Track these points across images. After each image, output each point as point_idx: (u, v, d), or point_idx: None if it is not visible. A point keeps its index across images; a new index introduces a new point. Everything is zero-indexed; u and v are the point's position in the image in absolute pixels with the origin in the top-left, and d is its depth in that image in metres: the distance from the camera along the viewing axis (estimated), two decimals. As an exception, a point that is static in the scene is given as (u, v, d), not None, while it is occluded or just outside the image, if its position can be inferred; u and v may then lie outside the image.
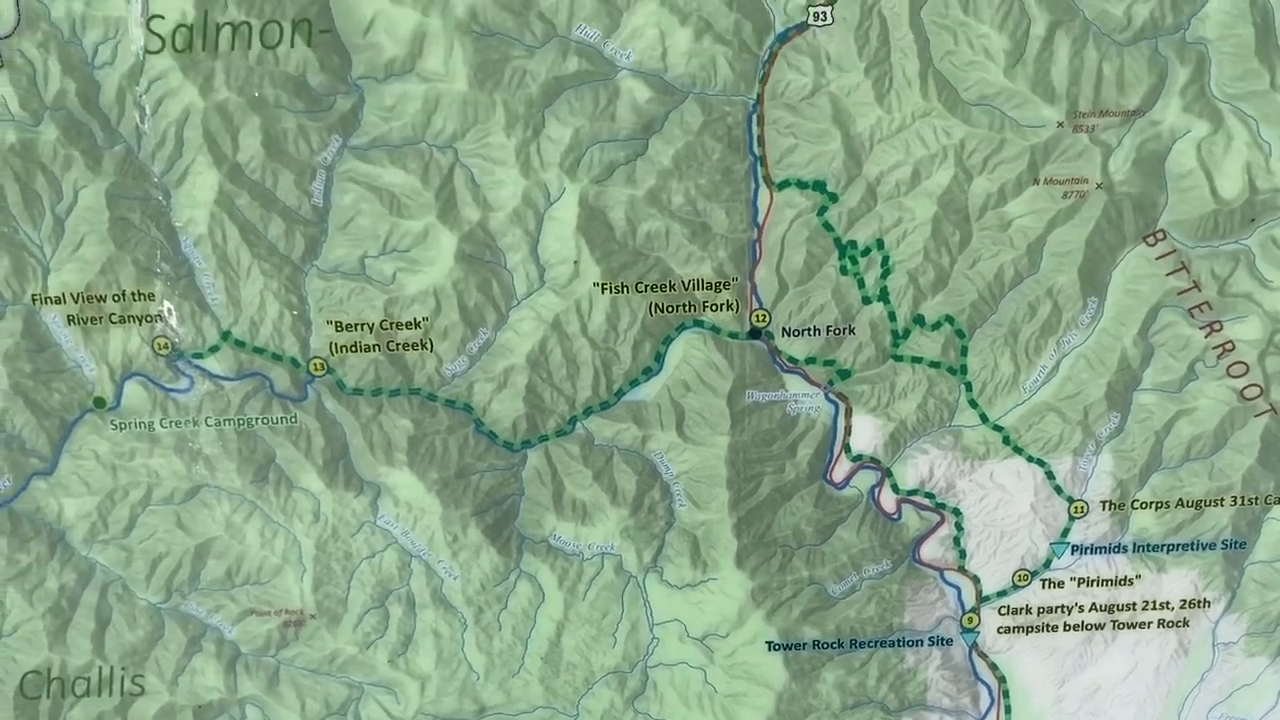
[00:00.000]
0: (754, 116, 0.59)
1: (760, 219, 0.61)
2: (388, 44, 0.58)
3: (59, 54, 0.59)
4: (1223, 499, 0.65)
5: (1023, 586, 0.66)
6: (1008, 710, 0.67)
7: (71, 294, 0.62)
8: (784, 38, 0.58)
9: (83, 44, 0.58)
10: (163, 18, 0.58)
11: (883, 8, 0.57)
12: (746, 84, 0.59)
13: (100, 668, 0.68)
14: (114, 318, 0.62)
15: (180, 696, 0.67)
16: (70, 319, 0.62)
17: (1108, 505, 0.65)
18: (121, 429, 0.64)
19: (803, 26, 0.58)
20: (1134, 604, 0.66)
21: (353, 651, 0.67)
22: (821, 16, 0.58)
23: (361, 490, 0.65)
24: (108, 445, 0.64)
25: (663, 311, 0.62)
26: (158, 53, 0.58)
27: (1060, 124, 0.59)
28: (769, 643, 0.67)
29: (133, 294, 0.62)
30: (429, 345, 0.63)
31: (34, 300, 0.62)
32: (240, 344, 0.62)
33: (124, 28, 0.58)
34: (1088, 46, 0.58)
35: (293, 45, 0.58)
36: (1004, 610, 0.67)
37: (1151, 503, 0.65)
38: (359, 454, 0.64)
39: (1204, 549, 0.66)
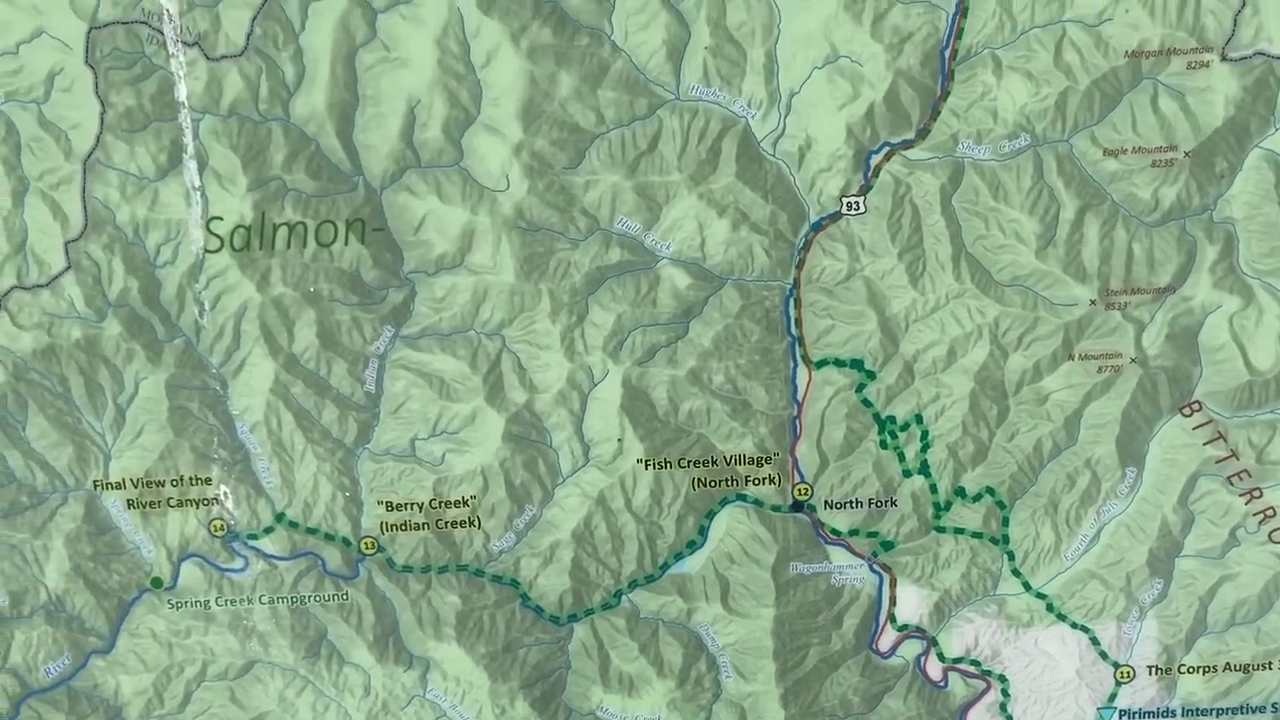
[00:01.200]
0: (791, 300, 0.61)
1: (800, 396, 0.62)
2: (438, 240, 0.60)
3: (123, 255, 0.61)
4: (1270, 662, 0.64)
5: (1072, 752, 0.66)
6: None
7: (131, 479, 0.64)
8: (818, 226, 0.60)
9: (145, 245, 0.61)
10: (221, 219, 0.61)
11: (914, 197, 0.59)
12: (783, 270, 0.60)
13: (153, 841, 0.69)
14: (172, 502, 0.64)
15: None
16: (130, 503, 0.64)
17: (1154, 670, 0.65)
18: (178, 608, 0.65)
19: (836, 215, 0.60)
20: (1185, 768, 0.66)
21: (403, 824, 0.68)
22: (855, 206, 0.59)
23: (411, 665, 0.66)
24: (164, 624, 0.66)
25: (705, 486, 0.63)
26: (216, 252, 0.61)
27: (1093, 302, 0.60)
28: (818, 811, 0.67)
29: (190, 479, 0.64)
30: (477, 523, 0.64)
31: (95, 486, 0.64)
32: (294, 525, 0.64)
33: (184, 229, 0.61)
34: (1117, 228, 0.59)
35: (346, 243, 0.60)
36: (1054, 776, 0.66)
37: (1199, 667, 0.65)
38: (408, 629, 0.65)
39: (1253, 712, 0.65)
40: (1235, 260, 0.60)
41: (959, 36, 0.58)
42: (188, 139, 0.60)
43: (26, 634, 0.66)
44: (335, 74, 0.59)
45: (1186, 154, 0.59)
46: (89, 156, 0.60)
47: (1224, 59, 0.58)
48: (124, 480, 0.64)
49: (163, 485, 0.64)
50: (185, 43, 0.59)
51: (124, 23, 0.58)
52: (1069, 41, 0.57)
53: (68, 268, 0.62)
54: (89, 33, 0.59)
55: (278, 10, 0.58)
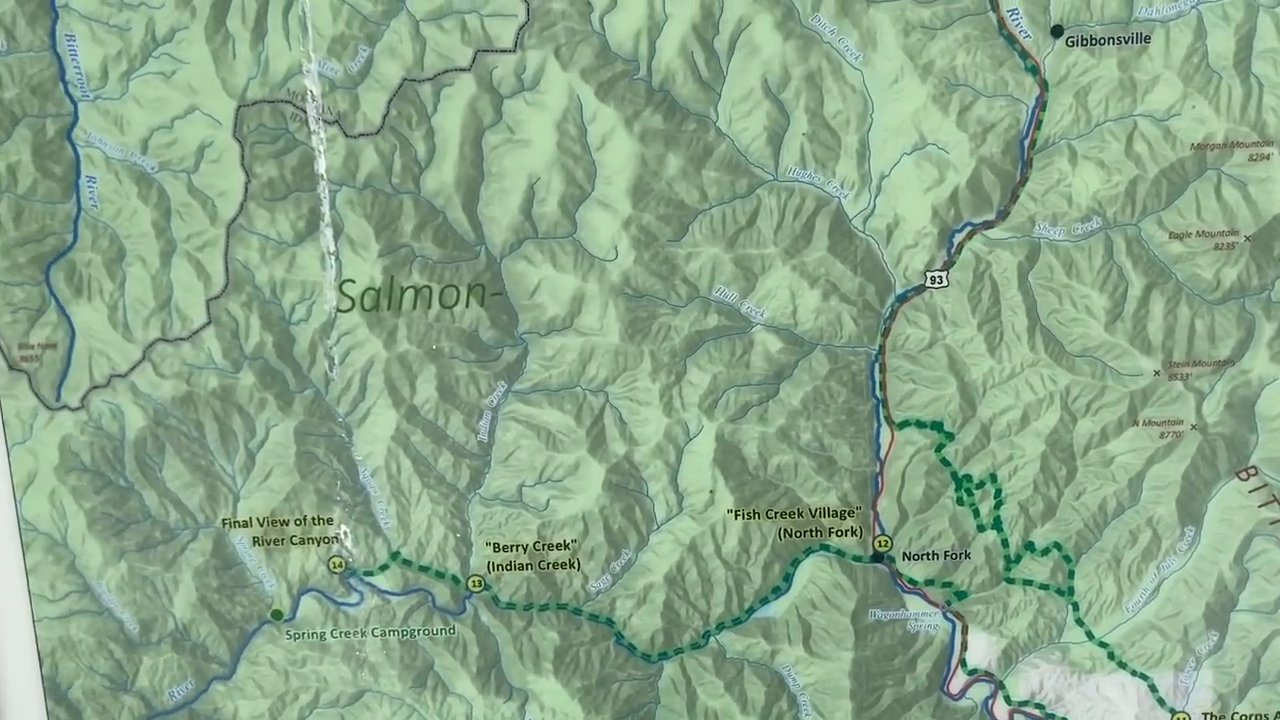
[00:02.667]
0: (876, 365, 0.65)
1: (882, 454, 0.67)
2: (550, 304, 0.65)
3: (260, 312, 0.66)
4: (1319, 712, 0.69)
5: (1130, 792, 0.70)
6: None
7: (258, 518, 0.69)
8: (903, 298, 0.65)
9: (281, 304, 0.66)
10: (354, 282, 0.66)
11: (994, 273, 0.64)
12: (869, 337, 0.65)
13: None
14: (295, 539, 0.69)
15: None
16: (255, 540, 0.69)
17: (1209, 717, 0.69)
18: (295, 639, 0.70)
19: (920, 288, 0.64)
20: (1237, 811, 0.70)
21: (497, 846, 0.72)
22: (938, 280, 0.64)
23: (511, 696, 0.70)
24: (282, 653, 0.70)
25: (791, 536, 0.68)
26: (348, 311, 0.66)
27: (1157, 372, 0.65)
28: (888, 843, 0.71)
29: (313, 519, 0.69)
30: (577, 565, 0.69)
31: (224, 524, 0.69)
32: (407, 563, 0.69)
33: (319, 290, 0.66)
34: (1180, 305, 0.64)
35: (467, 306, 0.66)
36: (1112, 815, 0.70)
37: (1251, 715, 0.69)
38: (509, 663, 0.70)
39: (1303, 759, 0.69)
40: (1291, 336, 0.64)
41: (1038, 127, 0.62)
42: (325, 208, 0.65)
43: (154, 659, 0.71)
44: (463, 152, 0.64)
45: (1247, 238, 0.63)
46: (233, 222, 0.66)
47: (1283, 152, 0.62)
48: (251, 519, 0.69)
49: (287, 524, 0.69)
50: (326, 121, 0.64)
51: (270, 101, 0.64)
52: (1139, 134, 0.62)
53: (208, 323, 0.67)
54: (238, 110, 0.64)
55: (412, 94, 0.63)
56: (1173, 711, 0.69)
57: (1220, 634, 0.68)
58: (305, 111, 0.64)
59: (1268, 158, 0.62)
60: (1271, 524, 0.67)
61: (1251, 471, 0.66)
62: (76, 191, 0.66)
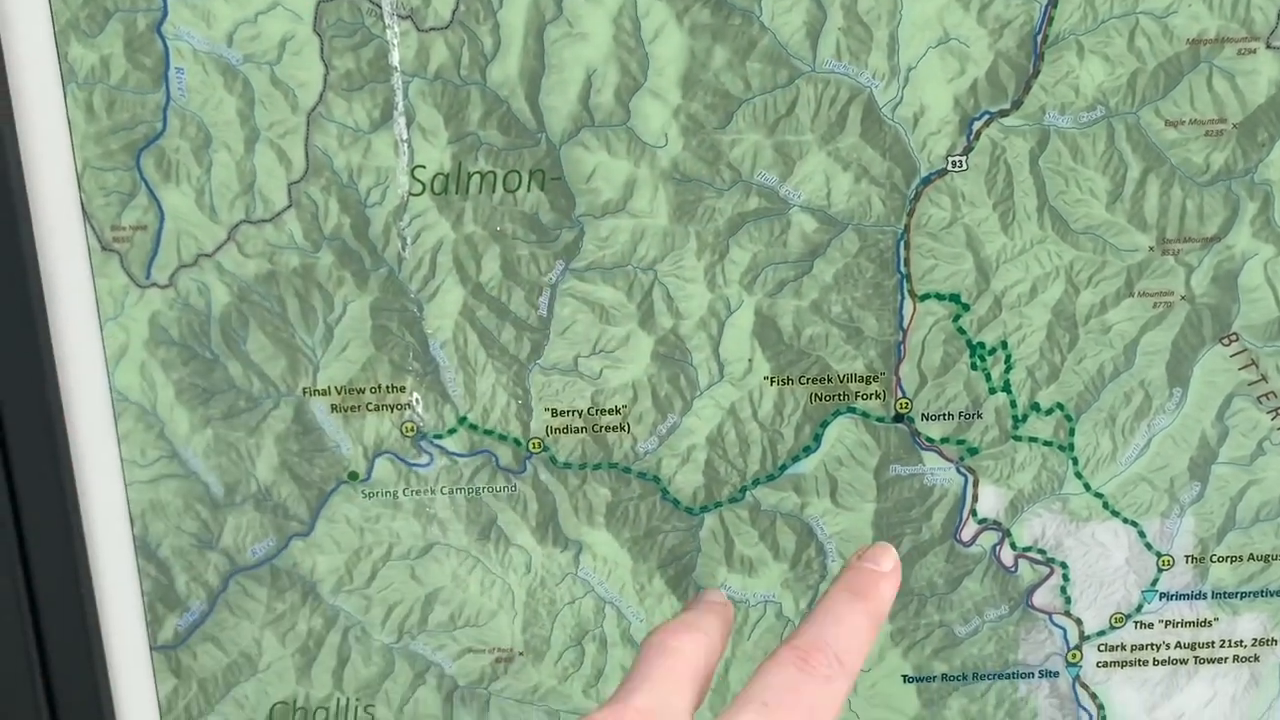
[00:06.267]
0: (901, 243, 0.72)
1: (905, 325, 0.74)
2: (604, 188, 0.71)
3: (338, 195, 0.72)
4: (1287, 554, 0.77)
5: (1118, 628, 0.78)
6: (1105, 733, 0.79)
7: (336, 387, 0.75)
8: (927, 180, 0.71)
9: (358, 188, 0.72)
10: (424, 167, 0.71)
11: (1008, 158, 0.71)
12: (895, 217, 0.72)
13: (338, 699, 0.80)
14: (370, 406, 0.75)
15: (408, 722, 0.80)
16: (333, 408, 0.75)
17: (1190, 559, 0.77)
18: (370, 497, 0.77)
19: (942, 171, 0.71)
20: (1212, 642, 0.78)
21: (553, 684, 0.80)
22: (958, 164, 0.71)
23: (566, 547, 0.78)
24: (358, 511, 0.77)
25: (821, 400, 0.75)
26: (419, 195, 0.72)
27: (1151, 248, 0.72)
28: (904, 676, 0.79)
29: (387, 387, 0.75)
30: (627, 428, 0.76)
31: (304, 392, 0.75)
32: (474, 427, 0.76)
33: (392, 175, 0.72)
34: (1174, 186, 0.71)
35: (529, 190, 0.72)
36: (1102, 648, 0.79)
37: (1227, 557, 0.77)
38: (565, 517, 0.77)
39: (1271, 595, 0.78)
40: (1271, 215, 0.71)
41: (1049, 24, 0.69)
42: (398, 98, 0.71)
43: (238, 519, 0.78)
44: (526, 45, 0.70)
45: (1234, 126, 0.70)
46: (312, 111, 0.71)
47: (1268, 47, 0.69)
48: (329, 388, 0.75)
49: (363, 392, 0.75)
50: (400, 16, 0.69)
51: (348, -2, 0.69)
52: (1140, 30, 0.69)
53: (290, 205, 0.72)
54: (317, 5, 0.69)
55: (480, -10, 0.69)
56: (1159, 555, 0.77)
57: (1202, 484, 0.76)
58: (380, 7, 0.69)
59: (1254, 51, 0.69)
60: (1249, 385, 0.74)
61: (1233, 338, 0.74)
62: (166, 82, 0.71)
